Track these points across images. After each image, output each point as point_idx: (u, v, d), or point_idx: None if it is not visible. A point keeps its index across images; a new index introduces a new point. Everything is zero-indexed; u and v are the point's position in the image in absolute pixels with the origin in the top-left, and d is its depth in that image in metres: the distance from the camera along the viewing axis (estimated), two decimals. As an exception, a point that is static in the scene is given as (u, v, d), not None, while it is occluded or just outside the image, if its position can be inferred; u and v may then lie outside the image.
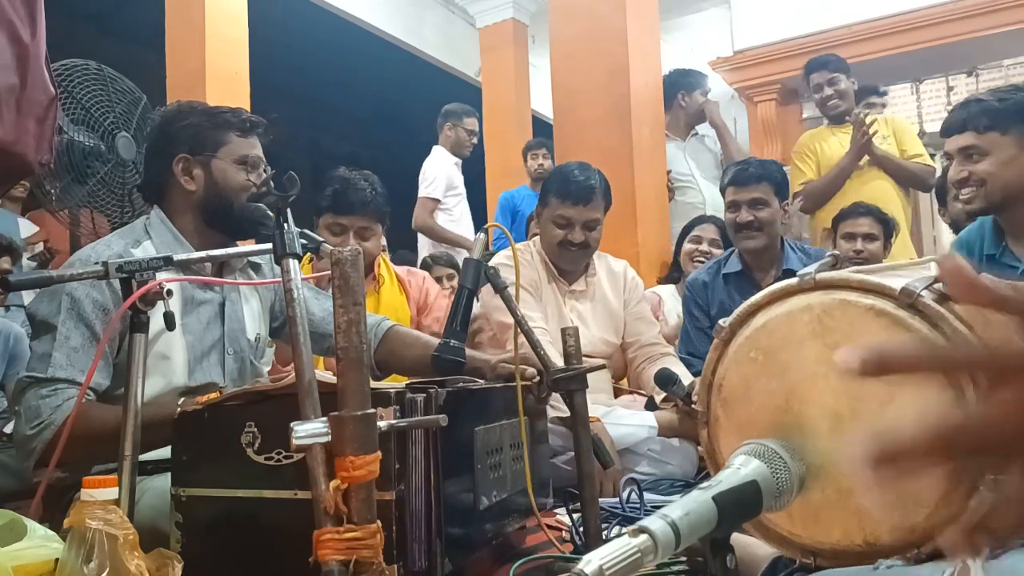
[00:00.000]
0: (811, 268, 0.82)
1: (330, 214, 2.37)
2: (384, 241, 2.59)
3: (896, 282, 0.75)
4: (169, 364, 1.52)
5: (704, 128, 4.24)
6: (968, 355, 0.47)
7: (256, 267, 1.76)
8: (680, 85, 4.16)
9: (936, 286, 0.74)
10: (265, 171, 1.67)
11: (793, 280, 0.82)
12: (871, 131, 3.49)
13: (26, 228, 4.29)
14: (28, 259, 4.12)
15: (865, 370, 0.44)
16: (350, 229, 2.37)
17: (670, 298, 3.39)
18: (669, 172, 4.13)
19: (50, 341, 1.42)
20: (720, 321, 0.86)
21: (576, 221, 2.35)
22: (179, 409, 1.16)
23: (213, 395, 1.18)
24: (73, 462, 1.39)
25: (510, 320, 2.27)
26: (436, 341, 1.51)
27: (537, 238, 2.52)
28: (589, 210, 2.35)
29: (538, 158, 4.99)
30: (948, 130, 1.98)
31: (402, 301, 2.63)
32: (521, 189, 5.33)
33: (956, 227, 2.94)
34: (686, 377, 2.24)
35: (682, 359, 2.57)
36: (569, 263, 2.44)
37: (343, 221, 2.37)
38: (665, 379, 2.13)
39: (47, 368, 1.40)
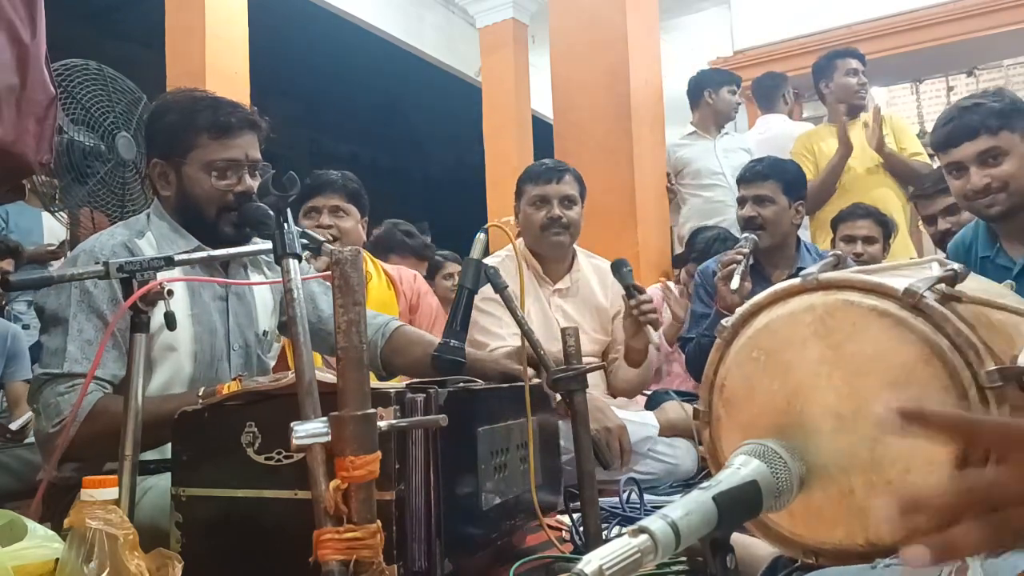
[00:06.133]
0: (814, 268, 0.82)
1: (305, 203, 2.42)
2: (364, 233, 2.57)
3: (899, 282, 0.75)
4: (176, 356, 1.51)
5: (731, 127, 4.23)
6: (990, 433, 0.59)
7: (269, 262, 1.74)
8: (706, 83, 4.16)
9: (939, 287, 0.74)
10: (252, 171, 1.58)
11: (796, 280, 0.81)
12: (869, 128, 3.51)
13: (49, 226, 4.30)
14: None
15: (904, 418, 0.57)
16: (324, 209, 2.40)
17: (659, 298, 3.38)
18: (669, 174, 4.14)
19: (62, 335, 1.40)
20: (722, 320, 0.86)
21: (552, 196, 2.40)
22: (200, 400, 1.16)
23: (233, 384, 1.18)
24: (95, 457, 1.38)
25: (483, 339, 2.32)
26: (439, 341, 1.51)
27: (520, 240, 2.52)
28: (563, 186, 2.42)
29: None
30: (955, 139, 1.89)
31: (391, 297, 2.62)
32: None
33: (942, 242, 2.93)
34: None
35: (688, 339, 2.70)
36: (552, 244, 2.43)
37: (315, 203, 2.41)
38: (618, 264, 2.21)
39: (63, 363, 1.38)
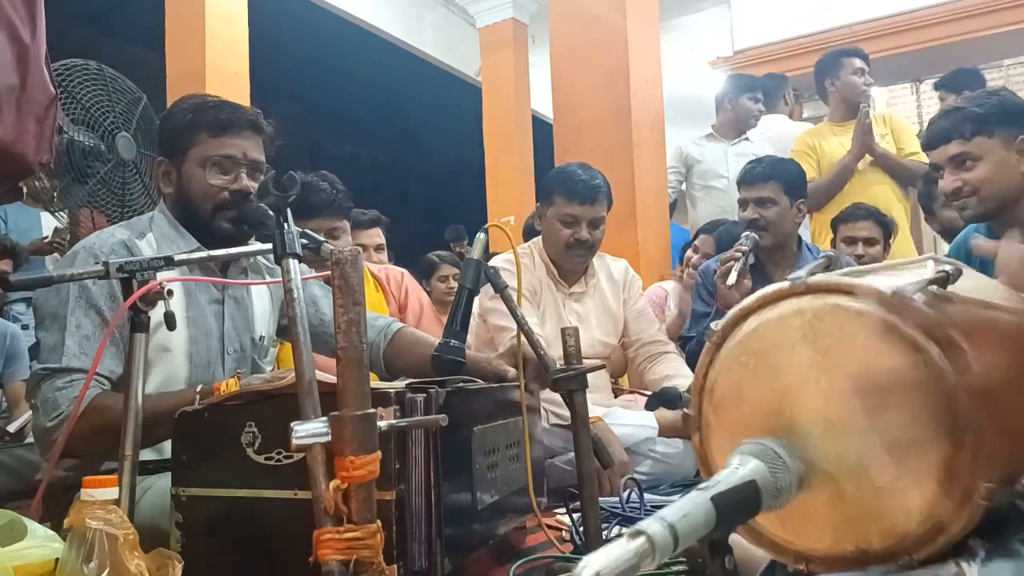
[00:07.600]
0: (803, 272, 0.81)
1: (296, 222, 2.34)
2: (350, 238, 2.55)
3: (890, 284, 0.75)
4: (171, 357, 1.51)
5: (753, 134, 4.24)
6: None
7: (269, 267, 1.73)
8: (728, 89, 4.18)
9: (930, 288, 0.74)
10: (252, 172, 1.58)
11: (784, 284, 0.81)
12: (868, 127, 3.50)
13: (49, 226, 4.30)
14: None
15: None
16: (319, 233, 2.33)
17: (675, 294, 3.40)
18: (681, 172, 4.15)
19: (60, 331, 1.40)
20: (712, 325, 0.86)
21: (583, 219, 2.37)
22: (197, 398, 1.16)
23: (232, 382, 1.18)
24: (91, 453, 1.39)
25: (505, 323, 2.31)
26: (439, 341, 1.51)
27: (538, 239, 2.53)
28: (595, 209, 2.38)
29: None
30: (932, 142, 1.96)
31: (379, 299, 2.61)
32: None
33: (947, 234, 2.94)
34: (687, 377, 2.32)
35: (689, 337, 2.70)
36: (574, 263, 2.45)
37: (310, 226, 2.32)
38: (671, 400, 2.16)
39: (60, 358, 1.38)
